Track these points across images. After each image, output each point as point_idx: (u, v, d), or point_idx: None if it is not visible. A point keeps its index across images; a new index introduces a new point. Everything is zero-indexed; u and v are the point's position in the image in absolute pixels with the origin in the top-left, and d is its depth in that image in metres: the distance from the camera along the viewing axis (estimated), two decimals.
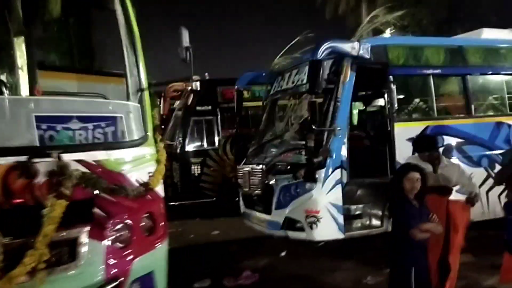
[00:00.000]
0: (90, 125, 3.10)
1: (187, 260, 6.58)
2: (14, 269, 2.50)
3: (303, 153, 5.86)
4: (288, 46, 7.73)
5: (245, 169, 6.86)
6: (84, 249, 2.86)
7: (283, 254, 6.64)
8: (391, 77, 6.17)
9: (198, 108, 10.51)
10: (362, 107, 8.12)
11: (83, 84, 3.97)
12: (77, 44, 4.36)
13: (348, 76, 5.82)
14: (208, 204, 10.25)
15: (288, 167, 6.11)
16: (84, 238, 2.87)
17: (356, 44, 5.86)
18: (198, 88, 11.25)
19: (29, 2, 3.80)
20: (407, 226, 3.54)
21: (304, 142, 5.78)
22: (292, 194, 5.91)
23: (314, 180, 5.64)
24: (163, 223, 3.47)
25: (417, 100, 6.80)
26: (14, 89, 3.63)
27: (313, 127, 5.67)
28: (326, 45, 5.72)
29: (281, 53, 7.77)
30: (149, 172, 3.38)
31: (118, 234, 3.05)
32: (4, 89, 3.40)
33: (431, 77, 6.62)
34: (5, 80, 3.67)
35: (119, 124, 3.29)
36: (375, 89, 7.07)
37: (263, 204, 6.44)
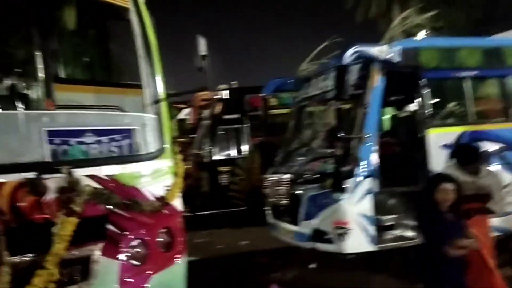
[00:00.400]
0: (104, 139, 3.02)
1: (214, 271, 6.49)
2: None
3: (331, 161, 5.67)
4: (316, 51, 7.58)
5: (272, 178, 6.71)
6: (97, 268, 2.78)
7: (312, 266, 6.44)
8: (423, 80, 5.93)
9: (226, 116, 10.46)
10: (393, 113, 7.83)
11: (100, 96, 3.91)
12: (93, 55, 4.33)
13: (377, 81, 5.61)
14: (236, 213, 10.14)
15: (316, 177, 5.91)
16: (97, 256, 2.79)
17: (384, 48, 5.69)
18: (226, 97, 11.27)
19: (44, 14, 3.79)
20: (440, 241, 3.30)
21: (332, 150, 5.60)
22: (320, 205, 5.70)
23: (343, 190, 5.43)
24: (181, 238, 3.36)
25: (451, 104, 6.49)
26: (27, 103, 3.61)
27: (341, 134, 5.49)
28: (353, 49, 5.62)
29: (308, 59, 7.62)
30: (166, 186, 3.27)
31: (133, 251, 2.97)
32: (17, 103, 3.37)
33: (466, 80, 6.31)
34: (19, 94, 3.66)
35: (134, 136, 3.21)
36: (406, 93, 6.80)
37: (290, 215, 6.25)
